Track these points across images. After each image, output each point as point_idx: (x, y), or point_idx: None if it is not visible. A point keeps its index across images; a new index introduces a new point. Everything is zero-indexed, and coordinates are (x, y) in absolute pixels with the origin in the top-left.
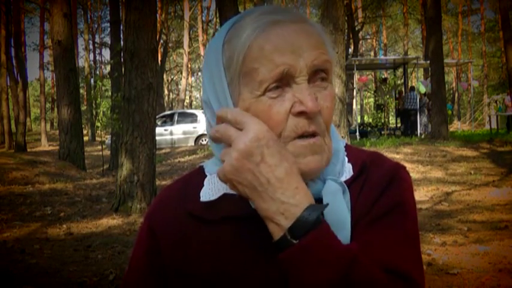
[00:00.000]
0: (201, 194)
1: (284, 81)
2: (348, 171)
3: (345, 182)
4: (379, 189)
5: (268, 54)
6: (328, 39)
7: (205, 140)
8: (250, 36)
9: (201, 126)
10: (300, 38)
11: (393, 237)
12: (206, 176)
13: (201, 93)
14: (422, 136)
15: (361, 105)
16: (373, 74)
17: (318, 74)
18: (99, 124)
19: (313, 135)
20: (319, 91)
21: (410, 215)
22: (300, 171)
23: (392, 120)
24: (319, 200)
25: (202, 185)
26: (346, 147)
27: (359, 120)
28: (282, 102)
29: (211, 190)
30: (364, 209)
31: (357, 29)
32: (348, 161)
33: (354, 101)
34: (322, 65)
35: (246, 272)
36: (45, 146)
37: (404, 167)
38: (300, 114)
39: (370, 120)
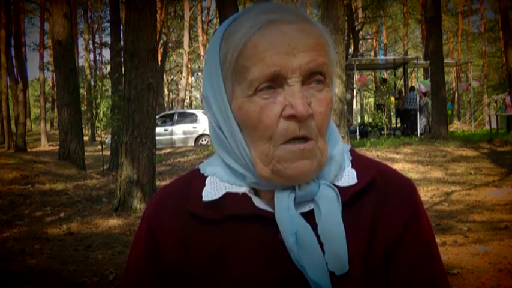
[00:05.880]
0: (203, 193)
1: (276, 81)
2: (350, 177)
3: (347, 188)
4: (402, 219)
5: (261, 54)
6: (331, 40)
7: (205, 140)
8: (246, 34)
9: (201, 126)
10: (296, 38)
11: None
12: (206, 176)
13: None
14: (422, 136)
15: (361, 105)
16: (373, 74)
17: (314, 76)
18: (99, 124)
19: (304, 139)
20: (314, 95)
21: (436, 251)
22: (287, 176)
23: (392, 120)
24: (312, 202)
25: (203, 185)
26: (352, 153)
27: (359, 120)
28: (273, 104)
29: (213, 189)
30: (389, 235)
31: (357, 29)
32: (352, 167)
33: (354, 101)
34: (318, 67)
35: (249, 271)
36: (45, 146)
37: (415, 187)
38: (290, 117)
39: (370, 120)
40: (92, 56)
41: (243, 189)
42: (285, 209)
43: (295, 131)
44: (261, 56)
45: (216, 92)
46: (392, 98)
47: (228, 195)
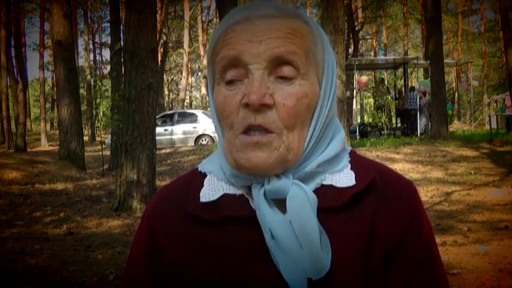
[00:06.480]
0: (201, 194)
1: (240, 70)
2: (349, 178)
3: (345, 189)
4: (403, 221)
5: (226, 41)
6: (321, 36)
7: (205, 140)
8: (220, 30)
9: (201, 126)
10: (265, 28)
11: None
12: (205, 176)
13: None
14: (422, 136)
15: (361, 105)
16: (373, 74)
17: (282, 66)
18: (99, 124)
19: (262, 129)
20: (281, 87)
21: (436, 253)
22: (242, 166)
23: (392, 120)
24: (282, 199)
25: (201, 186)
26: (352, 154)
27: (359, 120)
28: (237, 94)
29: (211, 190)
30: (389, 236)
31: (357, 29)
32: (351, 168)
33: (354, 101)
34: (286, 54)
35: (246, 272)
36: (45, 146)
37: (415, 188)
38: (246, 106)
39: (370, 120)
40: (92, 56)
41: (240, 190)
42: (257, 203)
43: (251, 120)
44: (226, 42)
45: (209, 85)
46: (390, 99)
47: (225, 196)
